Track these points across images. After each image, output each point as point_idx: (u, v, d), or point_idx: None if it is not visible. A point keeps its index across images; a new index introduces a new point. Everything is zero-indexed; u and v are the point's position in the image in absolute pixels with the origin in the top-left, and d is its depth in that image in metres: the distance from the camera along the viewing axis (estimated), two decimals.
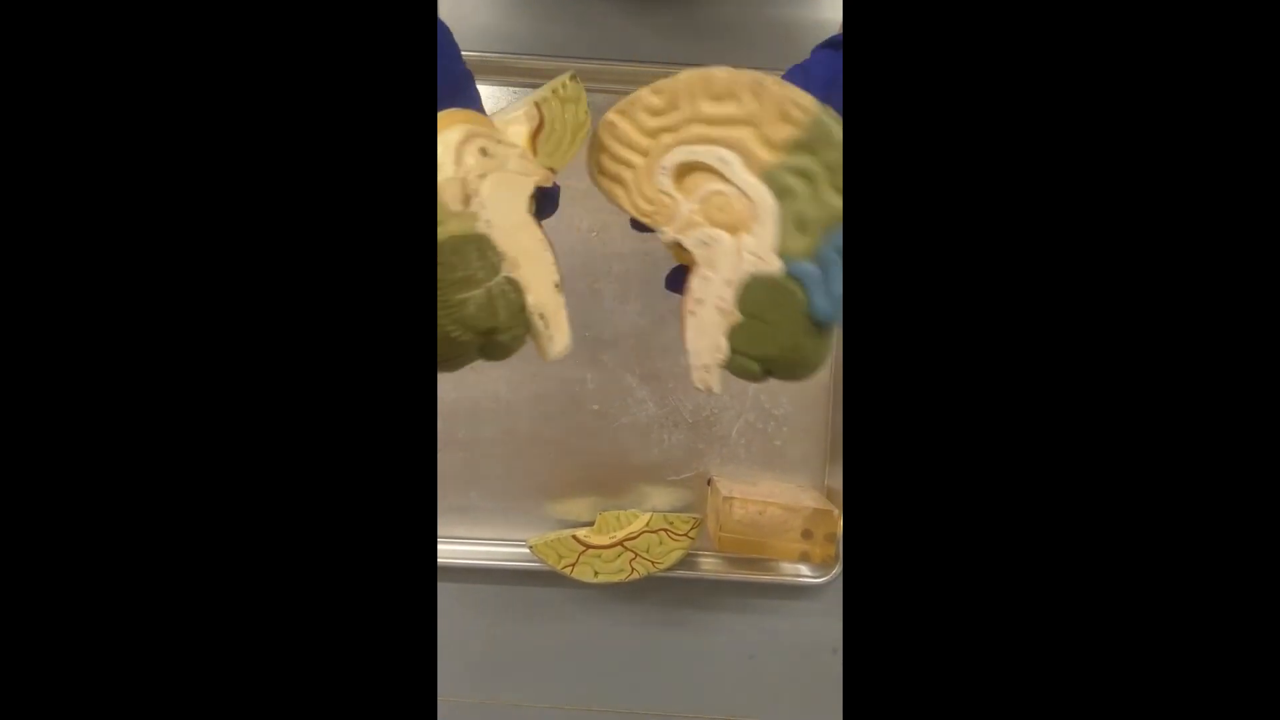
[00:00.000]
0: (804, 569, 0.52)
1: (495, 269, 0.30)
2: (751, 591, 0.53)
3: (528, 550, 0.50)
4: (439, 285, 0.29)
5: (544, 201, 0.32)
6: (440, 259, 0.29)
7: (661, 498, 0.52)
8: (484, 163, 0.30)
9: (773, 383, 0.51)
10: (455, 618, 0.52)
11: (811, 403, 0.52)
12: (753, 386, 0.52)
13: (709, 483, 0.52)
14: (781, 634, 0.53)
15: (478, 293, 0.30)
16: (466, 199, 0.29)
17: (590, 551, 0.50)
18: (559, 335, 0.32)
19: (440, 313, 0.29)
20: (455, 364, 0.32)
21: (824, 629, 0.53)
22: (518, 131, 0.31)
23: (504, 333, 0.31)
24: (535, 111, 0.32)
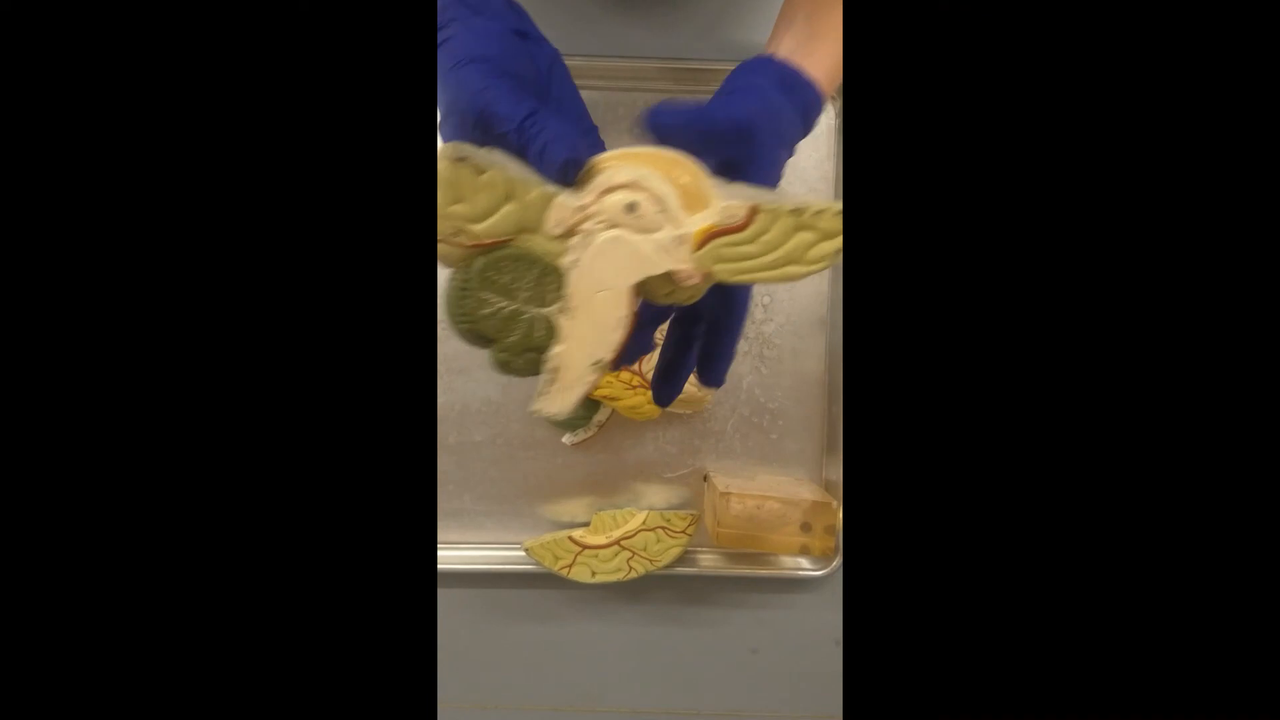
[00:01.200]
0: (804, 562, 0.51)
1: (542, 303, 0.28)
2: (751, 586, 0.52)
3: (523, 553, 0.50)
4: (480, 267, 0.27)
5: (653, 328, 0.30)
6: (493, 253, 0.27)
7: (658, 495, 0.52)
8: (621, 216, 0.27)
9: (767, 376, 0.52)
10: (452, 622, 0.51)
11: (806, 395, 0.52)
12: (746, 380, 0.52)
13: (705, 479, 0.51)
14: (783, 627, 0.53)
15: (504, 305, 0.28)
16: (571, 232, 0.27)
17: (587, 552, 0.49)
18: (558, 399, 0.29)
19: (457, 285, 0.28)
20: (464, 339, 0.29)
21: (825, 621, 0.53)
22: (702, 216, 0.27)
23: (503, 352, 0.29)
24: (742, 216, 0.27)
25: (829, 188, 0.52)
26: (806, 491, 0.49)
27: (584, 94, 0.32)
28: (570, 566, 0.49)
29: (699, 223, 0.27)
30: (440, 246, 0.28)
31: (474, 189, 0.27)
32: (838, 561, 0.51)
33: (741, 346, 0.52)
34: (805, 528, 0.48)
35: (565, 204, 0.27)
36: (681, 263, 0.27)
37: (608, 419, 0.50)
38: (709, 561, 0.52)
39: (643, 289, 0.28)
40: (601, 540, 0.49)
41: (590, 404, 0.49)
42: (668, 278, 0.28)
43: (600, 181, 0.27)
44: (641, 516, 0.50)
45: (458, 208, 0.27)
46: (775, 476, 0.52)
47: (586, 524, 0.51)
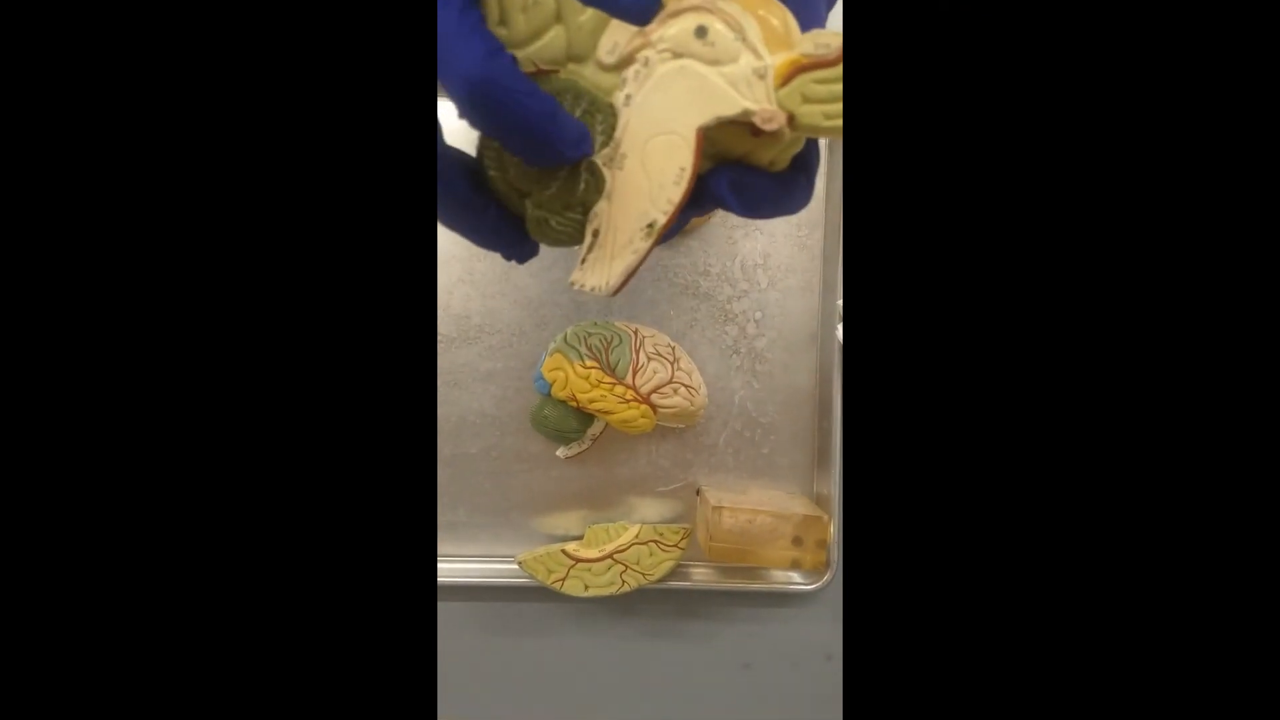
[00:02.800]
0: (795, 576, 0.52)
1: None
2: (744, 600, 0.53)
3: (517, 566, 0.50)
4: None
5: (736, 186, 0.23)
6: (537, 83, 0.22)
7: (650, 509, 0.52)
8: (689, 43, 0.22)
9: (759, 391, 0.52)
10: (445, 636, 0.51)
11: (798, 410, 0.52)
12: (739, 395, 0.52)
13: (698, 493, 0.52)
14: (775, 642, 0.53)
15: None
16: (626, 60, 0.22)
17: (580, 565, 0.49)
18: (600, 269, 0.24)
19: (483, 138, 0.24)
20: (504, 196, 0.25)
21: (817, 635, 0.53)
22: (781, 57, 0.22)
23: (539, 208, 0.24)
24: (837, 48, 0.21)
25: (820, 203, 0.53)
26: (798, 505, 0.50)
27: None
28: (563, 580, 0.49)
29: (782, 57, 0.22)
30: None
31: (518, 8, 0.23)
32: (829, 576, 0.51)
33: (733, 361, 0.52)
34: (797, 542, 0.49)
35: (623, 26, 0.22)
36: (762, 100, 0.22)
37: (601, 432, 0.51)
38: (701, 575, 0.52)
39: (711, 141, 0.23)
40: (595, 554, 0.49)
41: (583, 417, 0.49)
42: (741, 128, 0.23)
43: (666, 8, 0.22)
44: (634, 530, 0.50)
45: (499, 30, 0.23)
46: (767, 490, 0.52)
47: (579, 537, 0.51)
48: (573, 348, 0.48)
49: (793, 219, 0.52)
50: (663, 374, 0.48)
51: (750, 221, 0.52)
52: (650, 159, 0.23)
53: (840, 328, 0.50)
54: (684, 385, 0.48)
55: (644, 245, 0.23)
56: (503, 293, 0.51)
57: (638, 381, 0.47)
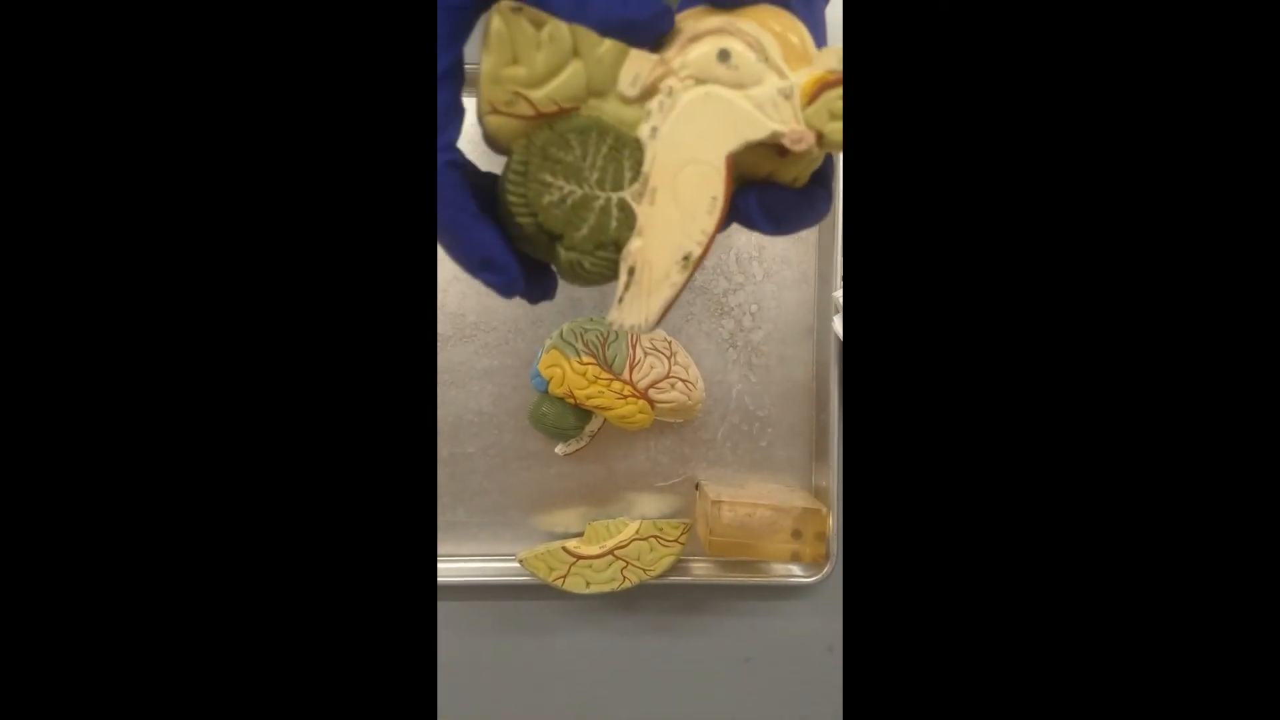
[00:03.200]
0: (795, 569, 0.52)
1: (617, 185, 0.23)
2: (744, 594, 0.53)
3: (518, 564, 0.50)
4: (541, 143, 0.23)
5: (767, 205, 0.23)
6: (555, 126, 0.22)
7: (650, 505, 0.52)
8: (712, 68, 0.22)
9: (756, 384, 0.52)
10: (447, 636, 0.51)
11: (795, 403, 0.53)
12: (735, 389, 0.52)
13: (697, 487, 0.52)
14: (776, 635, 0.53)
15: (571, 190, 0.23)
16: (649, 92, 0.22)
17: (581, 562, 0.49)
18: (638, 307, 0.24)
19: (515, 166, 0.23)
20: (519, 241, 0.25)
21: (818, 627, 0.53)
22: (804, 75, 0.22)
23: (570, 250, 0.24)
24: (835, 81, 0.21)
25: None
26: (797, 498, 0.50)
27: None
28: (564, 577, 0.49)
29: (806, 75, 0.22)
30: (493, 120, 0.23)
31: (533, 45, 0.22)
32: (829, 568, 0.51)
33: (730, 355, 0.52)
34: (796, 534, 0.49)
35: (643, 56, 0.22)
36: (790, 122, 0.22)
37: (599, 429, 0.50)
38: (702, 570, 0.52)
39: (736, 164, 0.23)
40: (595, 550, 0.49)
41: (581, 414, 0.49)
42: (768, 149, 0.23)
43: (684, 33, 0.22)
44: (634, 526, 0.50)
45: (514, 70, 0.22)
46: (766, 484, 0.52)
47: (580, 534, 0.51)
48: (569, 344, 0.48)
49: None
50: (660, 369, 0.48)
51: None
52: (681, 190, 0.23)
53: (836, 319, 0.50)
54: (681, 380, 0.48)
55: (680, 278, 0.23)
56: None
57: (635, 377, 0.47)
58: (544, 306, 0.51)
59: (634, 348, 0.48)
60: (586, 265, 0.24)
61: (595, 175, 0.23)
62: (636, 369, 0.47)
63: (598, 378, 0.47)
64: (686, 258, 0.23)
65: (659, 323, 0.24)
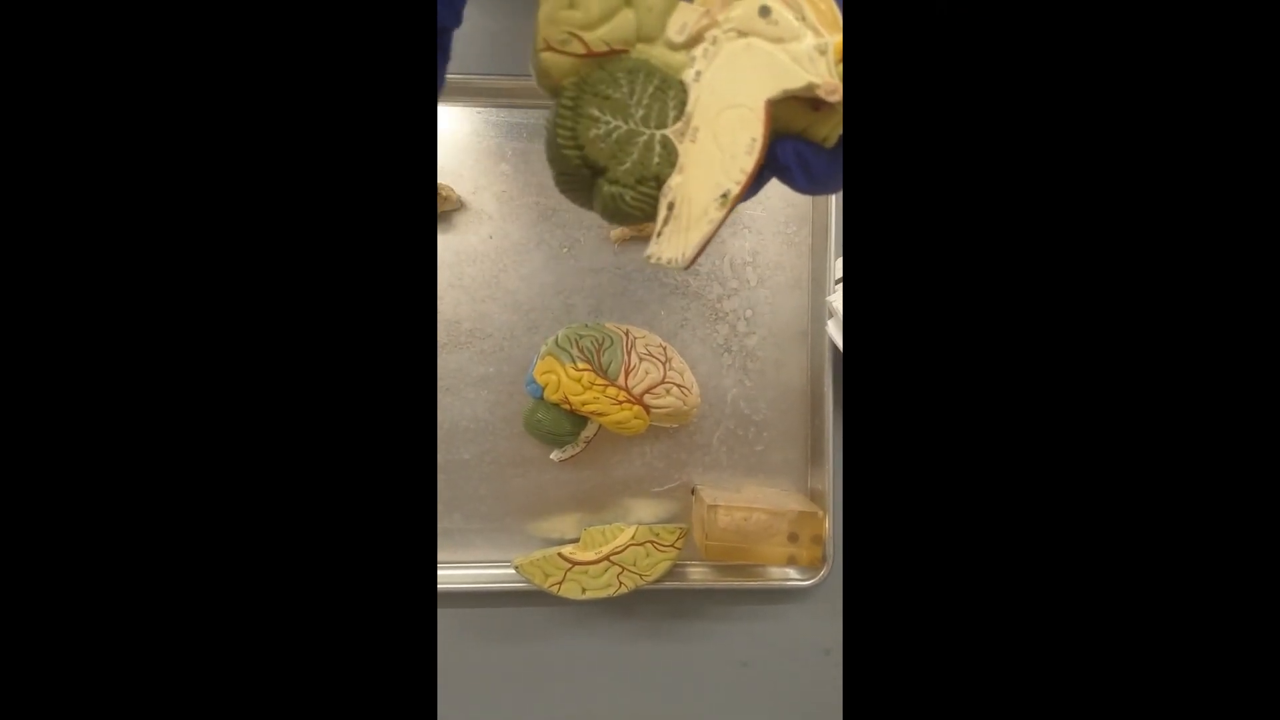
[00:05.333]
0: (792, 572, 0.52)
1: (661, 123, 0.24)
2: (741, 598, 0.53)
3: (514, 571, 0.50)
4: (593, 81, 0.24)
5: (804, 162, 0.24)
6: (606, 66, 0.24)
7: (646, 510, 0.52)
8: (754, 22, 0.23)
9: (751, 389, 0.52)
10: (443, 642, 0.51)
11: (790, 407, 0.53)
12: (731, 393, 0.52)
13: (693, 492, 0.52)
14: (773, 639, 0.53)
15: (617, 125, 0.24)
16: (694, 39, 0.24)
17: (577, 568, 0.49)
18: (676, 241, 0.25)
19: (565, 102, 0.25)
20: (562, 182, 0.26)
21: (815, 631, 0.53)
22: (838, 36, 0.24)
23: (613, 184, 0.25)
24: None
25: (807, 201, 0.53)
26: (793, 502, 0.50)
27: None
28: (560, 583, 0.49)
29: (838, 35, 0.24)
30: (548, 56, 0.25)
31: None
32: (825, 571, 0.51)
33: (724, 360, 0.52)
34: (792, 538, 0.49)
35: (690, 7, 0.24)
36: (824, 75, 0.24)
37: (595, 434, 0.51)
38: (698, 575, 0.52)
39: (776, 116, 0.25)
40: (591, 556, 0.49)
41: (577, 420, 0.49)
42: (804, 104, 0.24)
43: None
44: (630, 531, 0.50)
45: (569, 13, 0.24)
46: (761, 488, 0.52)
47: (576, 540, 0.51)
48: (564, 350, 0.48)
49: (780, 216, 0.52)
50: (655, 374, 0.48)
51: (738, 220, 0.52)
52: (722, 131, 0.24)
53: (830, 323, 0.50)
54: (676, 385, 0.48)
55: (719, 215, 0.24)
56: (493, 296, 0.51)
57: (630, 383, 0.48)
58: (539, 313, 0.51)
59: (629, 354, 0.48)
60: (628, 199, 0.25)
61: (641, 112, 0.24)
62: (631, 374, 0.48)
63: (593, 383, 0.47)
64: (725, 195, 0.24)
65: (695, 260, 0.25)
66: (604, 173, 0.25)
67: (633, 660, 0.52)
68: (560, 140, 0.25)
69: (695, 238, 0.25)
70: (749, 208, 0.52)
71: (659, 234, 0.25)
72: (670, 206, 0.25)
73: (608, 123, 0.24)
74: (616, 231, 0.50)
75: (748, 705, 0.53)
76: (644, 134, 0.24)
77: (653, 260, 0.25)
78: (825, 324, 0.51)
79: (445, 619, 0.51)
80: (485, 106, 0.52)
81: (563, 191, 0.27)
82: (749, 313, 0.53)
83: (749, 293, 0.52)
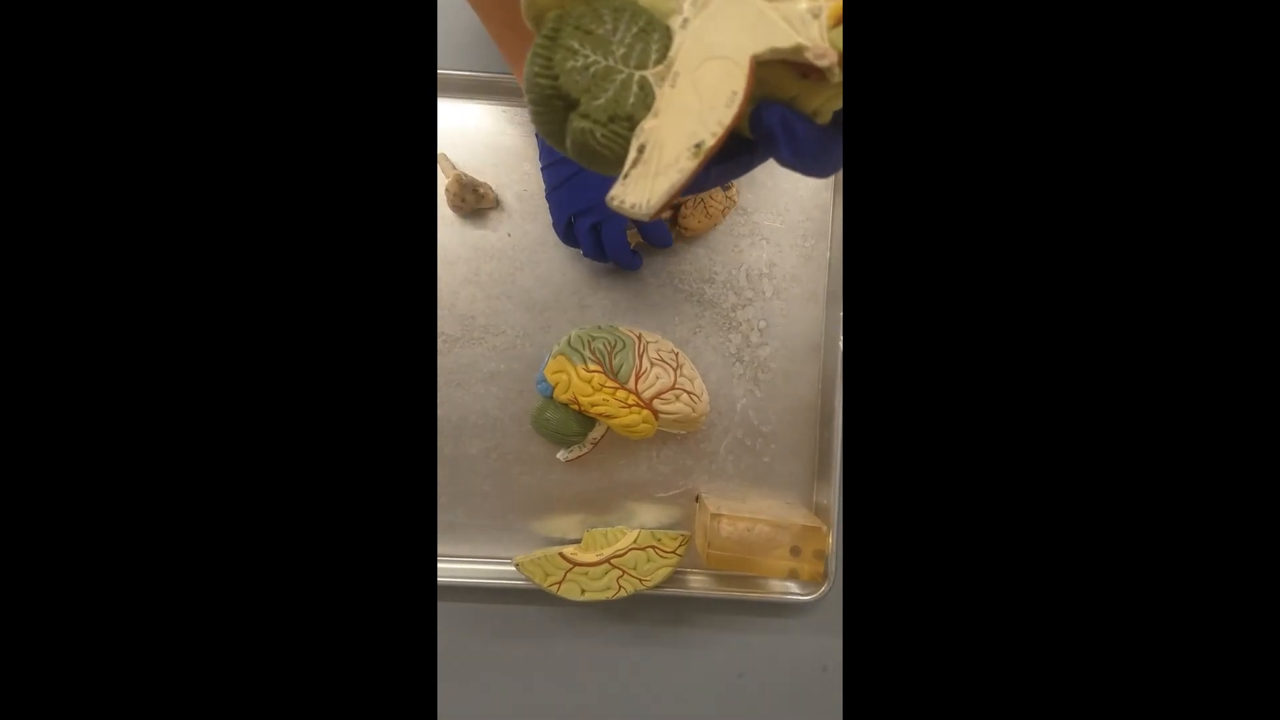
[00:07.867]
0: (792, 586, 0.52)
1: (642, 64, 0.24)
2: (740, 609, 0.53)
3: (514, 568, 0.50)
4: (576, 14, 0.24)
5: (781, 133, 0.24)
6: (595, 2, 0.24)
7: (649, 515, 0.52)
8: None
9: (761, 400, 0.52)
10: (441, 636, 0.51)
11: (799, 420, 0.52)
12: (741, 403, 0.52)
13: (697, 499, 0.52)
14: (770, 652, 0.53)
15: (596, 60, 0.24)
16: None
17: (577, 569, 0.49)
18: (642, 185, 0.24)
19: (545, 32, 0.24)
20: (536, 114, 0.25)
21: (813, 646, 0.53)
22: (831, 9, 0.23)
23: (584, 119, 0.24)
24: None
25: (826, 215, 0.53)
26: (797, 515, 0.50)
27: None
28: (560, 583, 0.49)
29: (834, 1, 0.23)
30: None
31: None
32: (826, 586, 0.51)
33: (736, 369, 0.52)
34: (795, 552, 0.48)
35: None
36: (815, 38, 0.23)
37: (602, 436, 0.51)
38: (698, 583, 0.52)
39: (761, 82, 0.24)
40: (592, 558, 0.49)
41: (585, 421, 0.49)
42: (794, 70, 0.23)
43: None
44: (633, 535, 0.50)
45: None
46: (766, 499, 0.52)
47: (577, 541, 0.51)
48: (576, 351, 0.48)
49: (798, 229, 0.52)
50: (665, 380, 0.48)
51: (756, 230, 0.52)
52: (703, 81, 0.23)
53: (844, 340, 0.50)
54: (686, 392, 0.48)
55: (689, 165, 0.23)
56: (508, 294, 0.51)
57: (640, 386, 0.48)
58: (553, 313, 0.52)
59: (640, 358, 0.48)
60: (599, 135, 0.24)
61: (622, 50, 0.24)
62: (642, 379, 0.48)
63: (603, 385, 0.47)
64: (698, 146, 0.23)
65: (659, 210, 0.24)
66: (576, 105, 0.24)
67: (628, 664, 0.52)
68: (535, 69, 0.24)
69: (663, 185, 0.23)
70: (767, 219, 0.52)
71: (626, 175, 0.24)
72: (641, 149, 0.23)
73: (586, 56, 0.24)
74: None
75: (741, 716, 0.53)
76: (622, 72, 0.24)
77: (615, 203, 0.24)
78: (839, 339, 0.51)
79: (444, 612, 0.51)
80: (508, 105, 0.52)
81: (536, 125, 0.26)
82: (763, 324, 0.52)
83: (764, 304, 0.52)
